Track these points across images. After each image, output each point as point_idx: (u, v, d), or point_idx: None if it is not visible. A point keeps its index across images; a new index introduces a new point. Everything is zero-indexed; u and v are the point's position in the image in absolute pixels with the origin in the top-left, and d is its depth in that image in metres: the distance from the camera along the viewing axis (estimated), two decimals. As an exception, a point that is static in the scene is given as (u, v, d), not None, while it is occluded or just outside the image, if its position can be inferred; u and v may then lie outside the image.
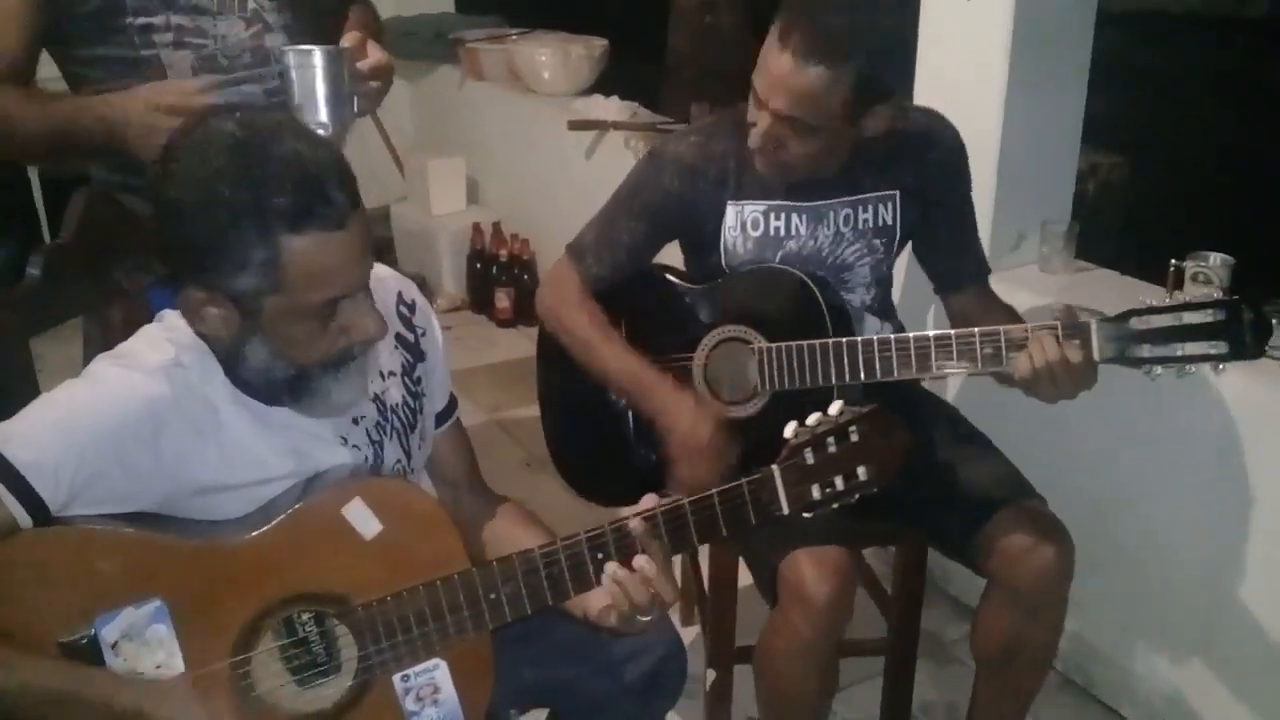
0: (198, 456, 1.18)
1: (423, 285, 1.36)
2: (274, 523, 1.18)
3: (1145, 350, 1.46)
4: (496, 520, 1.44)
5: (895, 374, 1.58)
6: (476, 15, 4.54)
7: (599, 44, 3.90)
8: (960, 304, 1.80)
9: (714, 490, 1.25)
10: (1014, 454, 1.76)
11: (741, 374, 1.69)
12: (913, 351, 1.57)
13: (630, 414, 1.82)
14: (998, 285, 1.85)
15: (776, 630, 1.64)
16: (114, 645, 1.12)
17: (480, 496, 1.49)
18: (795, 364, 1.63)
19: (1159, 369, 1.47)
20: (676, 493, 1.66)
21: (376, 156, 4.12)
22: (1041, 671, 1.77)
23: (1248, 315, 1.42)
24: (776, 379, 1.65)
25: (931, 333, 1.57)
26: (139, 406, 1.15)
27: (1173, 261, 1.98)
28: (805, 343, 1.62)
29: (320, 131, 1.53)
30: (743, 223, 1.72)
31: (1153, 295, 2.06)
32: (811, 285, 1.64)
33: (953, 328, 1.60)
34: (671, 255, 1.85)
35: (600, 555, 1.23)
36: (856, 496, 1.28)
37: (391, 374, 1.35)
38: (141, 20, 1.64)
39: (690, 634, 2.15)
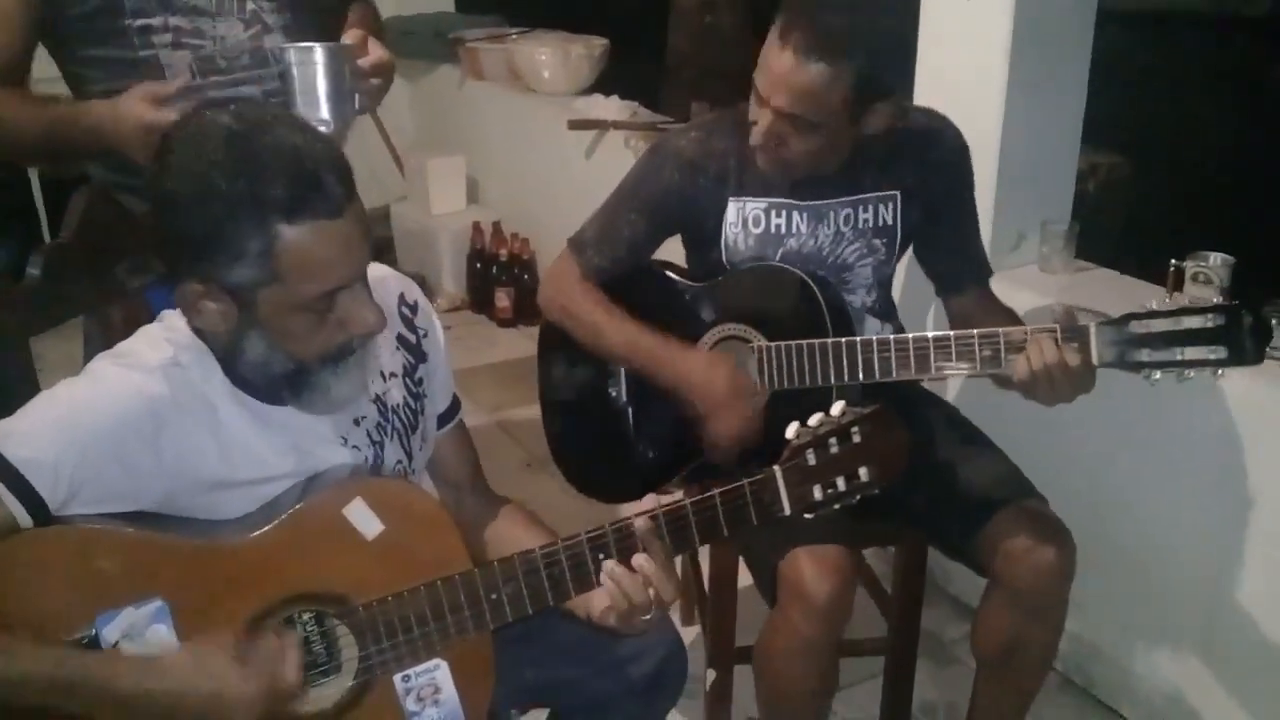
0: (197, 455, 1.18)
1: (423, 285, 1.36)
2: (275, 522, 1.18)
3: (1144, 355, 1.46)
4: (498, 521, 1.44)
5: (894, 374, 1.58)
6: (476, 15, 4.54)
7: (599, 43, 3.90)
8: (961, 306, 1.80)
9: (715, 490, 1.25)
10: (1014, 455, 1.76)
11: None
12: (912, 352, 1.57)
13: (631, 409, 1.82)
14: (998, 285, 1.84)
15: (776, 629, 1.64)
16: (115, 645, 1.12)
17: (482, 498, 1.49)
18: (795, 363, 1.63)
19: (1158, 374, 1.46)
20: (714, 457, 1.65)
21: (376, 156, 4.12)
22: (1042, 672, 1.77)
23: (1247, 320, 1.41)
24: (776, 378, 1.65)
25: (931, 334, 1.57)
26: (138, 405, 1.15)
27: (1173, 261, 1.98)
28: (805, 342, 1.62)
29: (322, 129, 1.53)
30: (744, 219, 1.72)
31: (1153, 295, 2.07)
32: (812, 285, 1.65)
33: (952, 330, 1.60)
34: (674, 252, 1.85)
35: (601, 555, 1.23)
36: (858, 497, 1.28)
37: (393, 375, 1.35)
38: (140, 21, 1.64)
39: (690, 634, 2.15)
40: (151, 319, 1.27)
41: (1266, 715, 1.91)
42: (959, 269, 1.80)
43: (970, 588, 2.24)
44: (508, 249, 3.93)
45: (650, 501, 1.26)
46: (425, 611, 1.21)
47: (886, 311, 1.82)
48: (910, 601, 1.95)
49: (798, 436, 1.26)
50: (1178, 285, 1.97)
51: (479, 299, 4.05)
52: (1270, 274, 2.01)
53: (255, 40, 1.73)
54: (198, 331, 1.20)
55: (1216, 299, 1.90)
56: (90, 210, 1.71)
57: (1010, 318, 1.75)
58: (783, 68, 1.52)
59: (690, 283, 1.79)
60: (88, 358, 1.23)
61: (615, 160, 3.23)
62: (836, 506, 1.28)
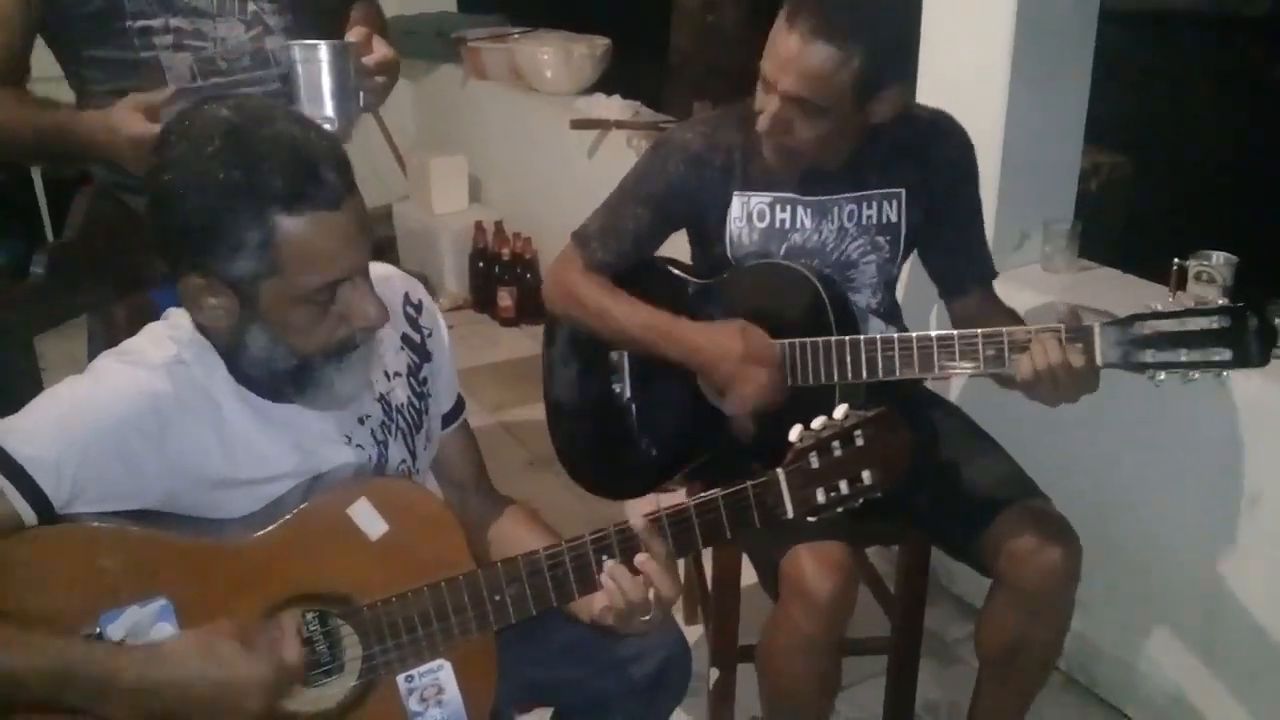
0: (201, 453, 1.18)
1: (425, 284, 1.37)
2: (279, 522, 1.18)
3: (1149, 356, 1.45)
4: (502, 521, 1.44)
5: (898, 373, 1.58)
6: (479, 14, 4.54)
7: (601, 43, 3.90)
8: (963, 307, 1.79)
9: (719, 492, 1.25)
10: (1018, 454, 1.76)
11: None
12: (916, 351, 1.56)
13: (635, 406, 1.82)
14: (1000, 284, 1.84)
15: (778, 626, 1.64)
16: (120, 643, 1.11)
17: (486, 498, 1.48)
18: (799, 361, 1.63)
19: (1162, 375, 1.46)
20: (741, 416, 1.62)
21: (379, 155, 4.12)
22: (1045, 672, 1.76)
23: (1253, 322, 1.40)
24: (781, 375, 1.65)
25: (934, 332, 1.56)
26: (142, 403, 1.15)
27: (1175, 260, 1.97)
28: (809, 340, 1.61)
29: (327, 127, 1.53)
30: (748, 214, 1.72)
31: (1156, 294, 2.08)
32: (817, 282, 1.64)
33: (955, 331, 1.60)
34: (679, 249, 1.85)
35: (605, 557, 1.23)
36: (861, 500, 1.28)
37: (397, 374, 1.35)
38: (140, 23, 1.64)
39: (694, 633, 2.15)
40: (155, 318, 1.27)
41: (1268, 714, 1.91)
42: (962, 270, 1.79)
43: (973, 587, 2.24)
44: (510, 248, 3.93)
45: (652, 499, 1.26)
46: (429, 612, 1.20)
47: (891, 313, 1.82)
48: (913, 601, 1.95)
49: (801, 439, 1.25)
50: (1180, 284, 1.97)
51: (481, 298, 4.05)
52: (1273, 273, 2.01)
53: (256, 41, 1.73)
54: (201, 328, 1.20)
55: (1220, 298, 1.91)
56: (93, 210, 1.72)
57: (1013, 320, 1.74)
58: (790, 50, 1.52)
59: (694, 279, 1.79)
60: (91, 356, 1.23)
61: (617, 160, 3.23)
62: (839, 510, 1.27)
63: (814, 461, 1.25)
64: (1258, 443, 1.86)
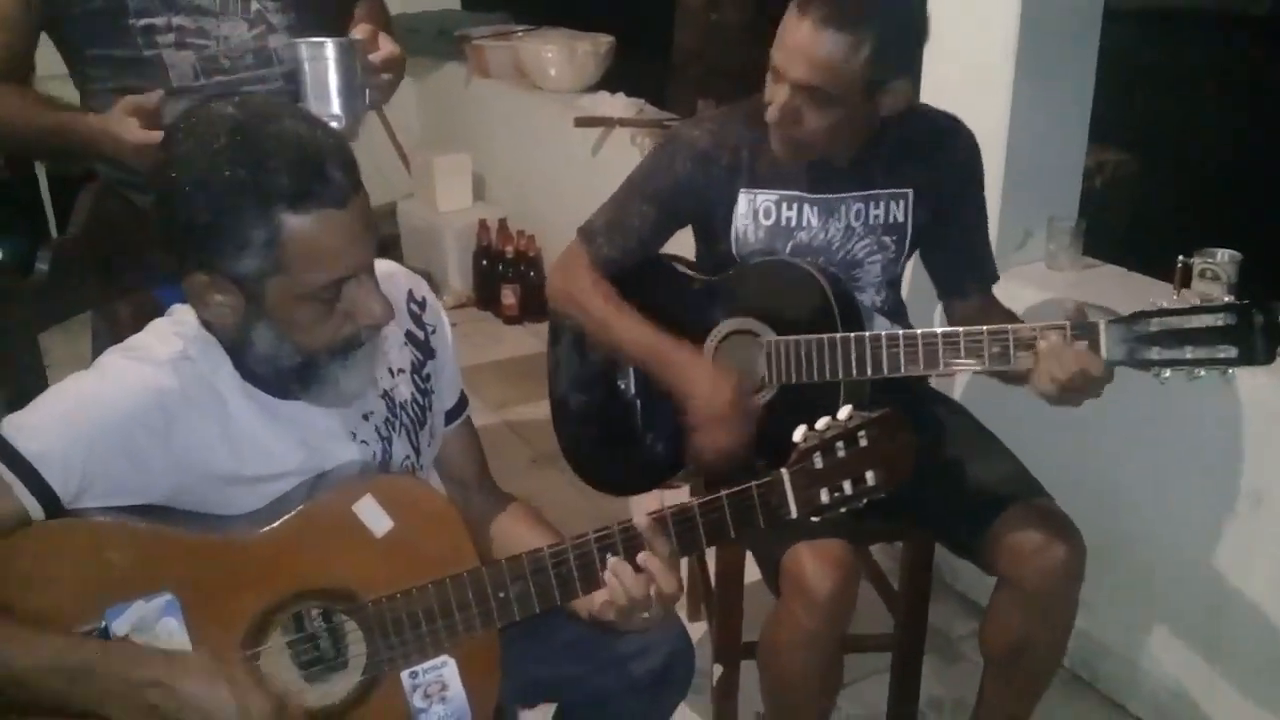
0: (207, 449, 1.18)
1: (429, 282, 1.37)
2: (285, 518, 1.18)
3: (1155, 353, 1.45)
4: (504, 519, 1.44)
5: (903, 370, 1.58)
6: (482, 12, 4.54)
7: (605, 41, 3.90)
8: (963, 310, 1.79)
9: (723, 493, 1.25)
10: (1021, 453, 1.76)
11: (749, 367, 1.69)
12: (920, 348, 1.56)
13: (640, 402, 1.82)
14: (1004, 281, 1.84)
15: (780, 623, 1.64)
16: (124, 638, 1.12)
17: (489, 495, 1.49)
18: (803, 358, 1.63)
19: (1168, 372, 1.45)
20: (697, 464, 1.65)
21: (383, 154, 4.12)
22: (1050, 670, 1.76)
23: (1259, 320, 1.40)
24: (784, 373, 1.65)
25: (940, 329, 1.56)
26: (148, 399, 1.15)
27: (1180, 258, 1.97)
28: (814, 337, 1.61)
29: (334, 124, 1.53)
30: (754, 211, 1.72)
31: (1160, 292, 2.08)
32: (823, 280, 1.64)
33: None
34: (684, 245, 1.85)
35: (609, 555, 1.23)
36: (865, 501, 1.28)
37: (401, 371, 1.35)
38: (143, 21, 1.65)
39: (697, 630, 2.15)
40: (160, 314, 1.27)
41: (1272, 711, 1.91)
42: (963, 272, 1.80)
43: (978, 584, 2.24)
44: (514, 246, 3.94)
45: (656, 496, 1.26)
46: (433, 609, 1.21)
47: (896, 311, 1.82)
48: (917, 598, 1.95)
49: (805, 440, 1.26)
50: (1185, 282, 1.97)
51: (485, 296, 4.05)
52: (1277, 269, 2.01)
53: (259, 40, 1.73)
54: (207, 325, 1.20)
55: (1224, 295, 1.91)
56: (98, 206, 1.72)
57: (1013, 322, 1.74)
58: (800, 37, 1.53)
59: (700, 276, 1.79)
60: (96, 354, 1.23)
61: (621, 158, 3.23)
62: (843, 510, 1.27)
63: (818, 462, 1.25)
64: (1262, 440, 1.85)
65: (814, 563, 1.57)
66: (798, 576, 1.58)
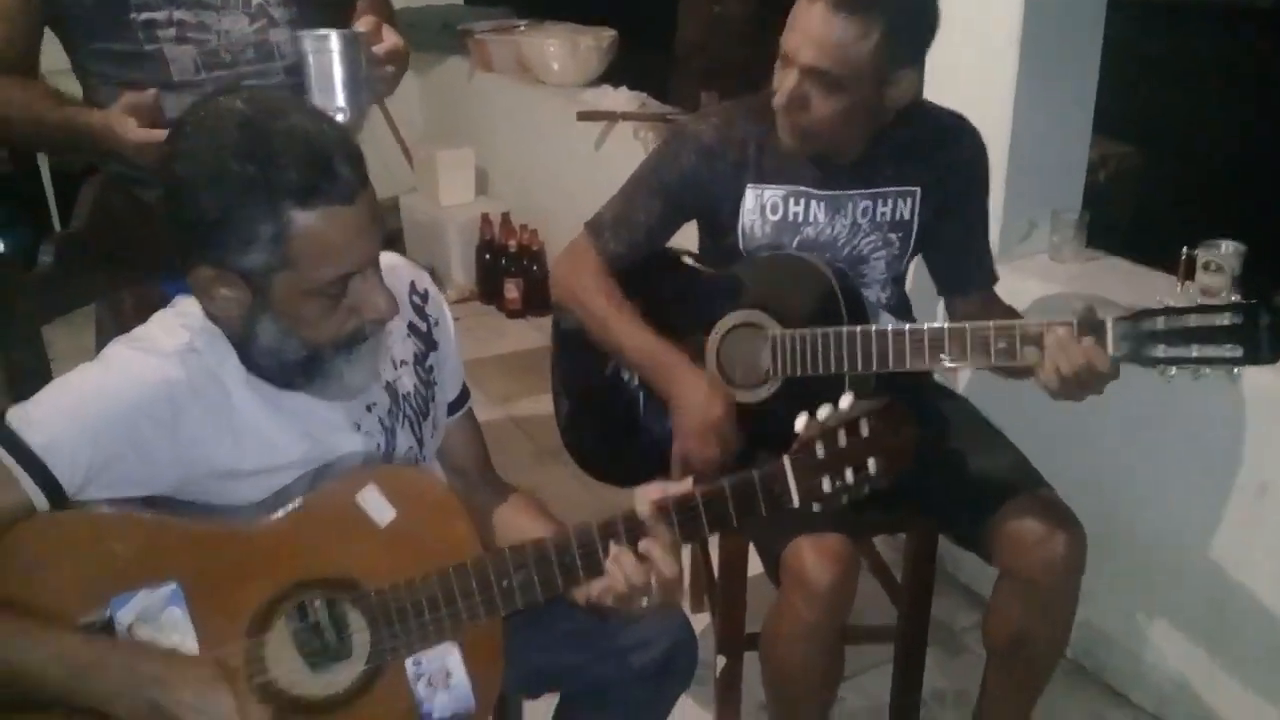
0: (212, 440, 1.19)
1: (432, 276, 1.37)
2: (288, 508, 1.19)
3: (1160, 351, 1.44)
4: (507, 509, 1.44)
5: (908, 364, 1.58)
6: (484, 6, 4.54)
7: (608, 34, 3.90)
8: (965, 308, 1.79)
9: (725, 481, 1.25)
10: (1023, 443, 1.76)
11: (754, 359, 1.69)
12: (926, 342, 1.56)
13: (642, 394, 1.82)
14: (1008, 273, 1.85)
15: (780, 615, 1.64)
16: (129, 627, 1.12)
17: (491, 486, 1.49)
18: (808, 351, 1.63)
19: (1173, 370, 1.45)
20: (675, 471, 1.66)
21: (386, 148, 4.12)
22: (1052, 662, 1.76)
23: (1265, 319, 1.39)
24: (789, 365, 1.65)
25: (945, 324, 1.56)
26: (154, 390, 1.15)
27: (1184, 250, 1.97)
28: (820, 330, 1.62)
29: (339, 117, 1.53)
30: (762, 206, 1.72)
31: (1164, 284, 2.08)
32: (828, 274, 1.64)
33: None
34: (688, 239, 1.85)
35: (612, 543, 1.23)
36: (866, 490, 1.28)
37: (404, 362, 1.35)
38: (144, 15, 1.65)
39: (700, 622, 2.15)
40: (164, 307, 1.27)
41: (1276, 701, 1.91)
42: (965, 272, 1.80)
43: (980, 576, 2.25)
44: (517, 240, 3.94)
45: (660, 487, 1.27)
46: (437, 597, 1.21)
47: (901, 308, 1.82)
48: (920, 589, 1.95)
49: (806, 429, 1.26)
50: (1189, 274, 1.97)
51: (488, 290, 4.05)
52: (1281, 262, 2.01)
53: (261, 34, 1.72)
54: (212, 317, 1.20)
55: (1228, 288, 1.91)
56: (101, 200, 1.72)
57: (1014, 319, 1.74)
58: (812, 21, 1.53)
59: (706, 269, 1.79)
60: (100, 346, 1.23)
61: (624, 151, 3.23)
62: (845, 499, 1.28)
63: (820, 451, 1.25)
64: (1266, 432, 1.85)
65: (814, 556, 1.57)
66: (798, 569, 1.58)
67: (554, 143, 3.79)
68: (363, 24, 1.67)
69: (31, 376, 1.50)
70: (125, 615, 1.12)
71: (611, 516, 1.24)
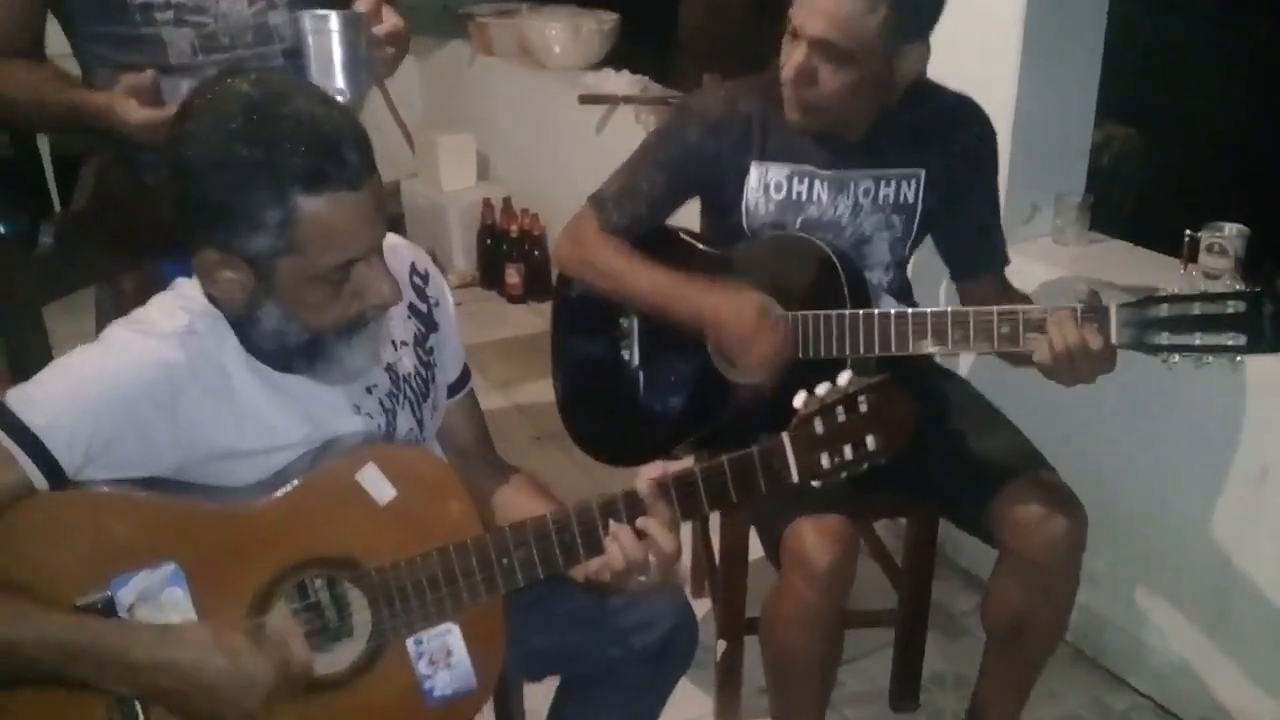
0: (212, 422, 1.18)
1: (433, 260, 1.38)
2: (289, 487, 1.19)
3: (1164, 338, 1.44)
4: (507, 490, 1.44)
5: (911, 348, 1.58)
6: (486, -11, 4.51)
7: (609, 18, 3.88)
8: (975, 293, 1.78)
9: (724, 457, 1.25)
10: (1025, 427, 1.76)
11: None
12: (929, 326, 1.56)
13: (643, 373, 1.82)
14: (1011, 257, 1.84)
15: (780, 597, 1.64)
16: (130, 608, 1.12)
17: (492, 466, 1.49)
18: (810, 333, 1.62)
19: (1176, 358, 1.45)
20: (750, 379, 1.61)
21: (387, 132, 4.11)
22: (1052, 644, 1.77)
23: (1269, 308, 1.39)
24: (791, 347, 1.65)
25: (949, 308, 1.56)
26: (154, 372, 1.15)
27: (1187, 232, 1.96)
28: (822, 312, 1.61)
29: (338, 98, 1.52)
30: (765, 184, 1.72)
31: (1167, 267, 2.07)
32: (832, 256, 1.64)
33: None
34: (691, 221, 1.85)
35: (612, 521, 1.23)
36: (865, 466, 1.28)
37: (404, 344, 1.35)
38: None
39: (701, 607, 2.16)
40: (164, 289, 1.27)
41: (1276, 686, 1.92)
42: (975, 255, 1.79)
43: (980, 560, 2.25)
44: (518, 225, 3.93)
45: (660, 467, 1.27)
46: (437, 576, 1.21)
47: (903, 292, 1.82)
48: (920, 573, 1.96)
49: (805, 405, 1.26)
50: (1192, 256, 1.96)
51: (489, 275, 4.05)
52: (1285, 245, 2.00)
53: (259, 17, 1.71)
54: (212, 299, 1.20)
55: (1231, 270, 1.91)
56: (101, 181, 1.72)
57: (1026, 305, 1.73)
58: None
59: (709, 249, 1.78)
60: (100, 329, 1.23)
61: (626, 135, 3.22)
62: (844, 475, 1.28)
63: (819, 427, 1.25)
64: (1268, 415, 1.85)
65: (814, 536, 1.57)
66: (798, 551, 1.58)
67: (555, 127, 3.78)
68: (362, 4, 1.66)
69: (33, 357, 1.51)
70: (125, 595, 1.12)
71: (611, 494, 1.24)
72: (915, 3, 1.57)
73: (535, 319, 3.78)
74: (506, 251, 3.95)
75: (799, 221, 1.72)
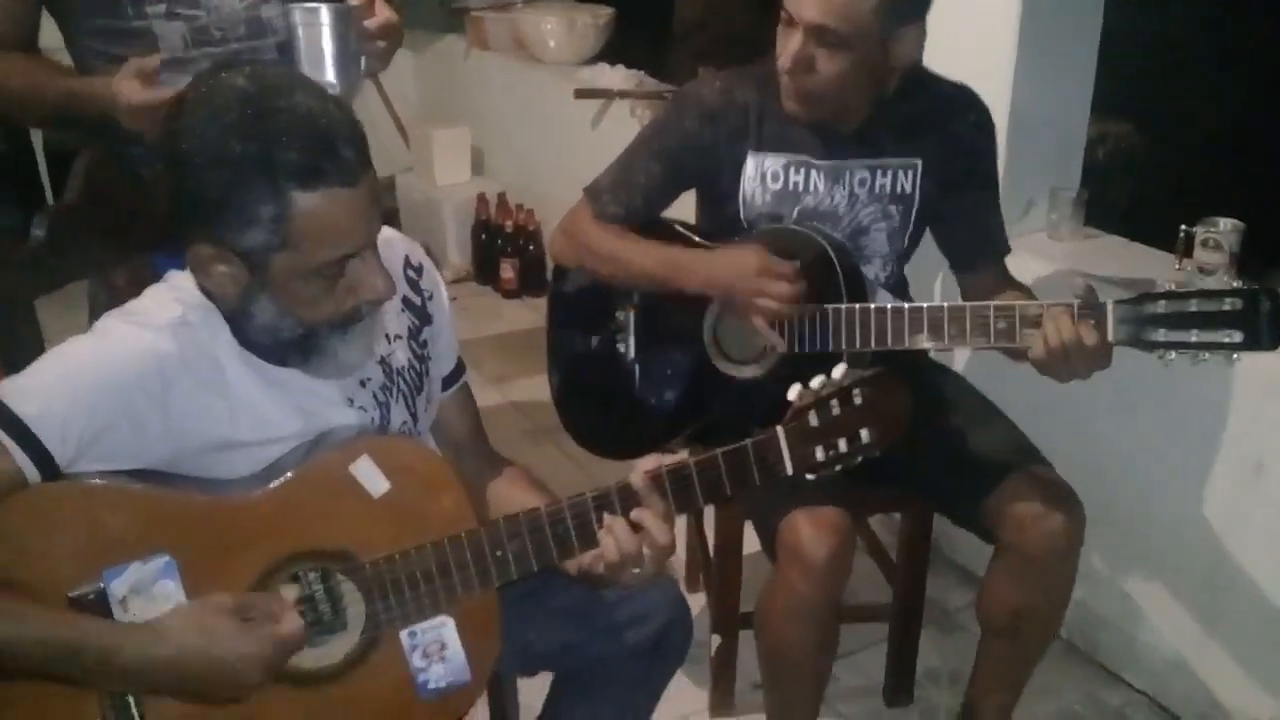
0: (205, 414, 1.18)
1: (426, 253, 1.38)
2: (282, 479, 1.18)
3: (1160, 335, 1.44)
4: (500, 483, 1.44)
5: (907, 343, 1.57)
6: (481, -16, 4.50)
7: (605, 12, 3.88)
8: (975, 284, 1.78)
9: (719, 451, 1.25)
10: (1021, 422, 1.76)
11: (752, 334, 1.68)
12: (926, 321, 1.56)
13: (639, 366, 1.82)
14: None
15: (776, 590, 1.64)
16: (122, 600, 1.12)
17: (485, 460, 1.49)
18: (806, 327, 1.62)
19: (1173, 355, 1.45)
20: (771, 336, 1.60)
21: (381, 127, 4.10)
22: (1047, 639, 1.77)
23: (1266, 305, 1.39)
24: (788, 341, 1.64)
25: (945, 304, 1.56)
26: (147, 362, 1.15)
27: (1183, 227, 1.96)
28: (818, 306, 1.61)
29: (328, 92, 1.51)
30: (762, 174, 1.72)
31: (1162, 262, 2.07)
32: (829, 250, 1.64)
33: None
34: (686, 215, 1.84)
35: (606, 513, 1.23)
36: (860, 459, 1.28)
37: (398, 337, 1.35)
38: None
39: (696, 602, 2.16)
40: (156, 282, 1.26)
41: (1270, 681, 1.92)
42: (974, 245, 1.78)
43: (975, 555, 2.25)
44: (513, 220, 3.92)
45: (656, 459, 1.26)
46: (431, 568, 1.21)
47: (899, 288, 1.81)
48: (915, 568, 1.96)
49: (800, 398, 1.26)
50: (1187, 251, 1.96)
51: (484, 270, 4.04)
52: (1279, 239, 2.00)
53: (252, 10, 1.71)
54: (206, 293, 1.19)
55: (1226, 265, 1.91)
56: (93, 173, 1.71)
57: (1025, 296, 1.73)
58: None
59: (705, 242, 1.78)
60: (93, 322, 1.23)
61: (621, 130, 3.21)
62: (838, 468, 1.28)
63: (813, 420, 1.25)
64: (1261, 410, 1.85)
65: (810, 529, 1.57)
66: (794, 543, 1.58)
67: (551, 121, 3.77)
68: None
69: (25, 350, 1.50)
70: (118, 587, 1.12)
71: (605, 486, 1.24)
72: None
73: (530, 314, 3.77)
74: (501, 246, 3.94)
75: (796, 212, 1.72)
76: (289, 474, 1.19)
